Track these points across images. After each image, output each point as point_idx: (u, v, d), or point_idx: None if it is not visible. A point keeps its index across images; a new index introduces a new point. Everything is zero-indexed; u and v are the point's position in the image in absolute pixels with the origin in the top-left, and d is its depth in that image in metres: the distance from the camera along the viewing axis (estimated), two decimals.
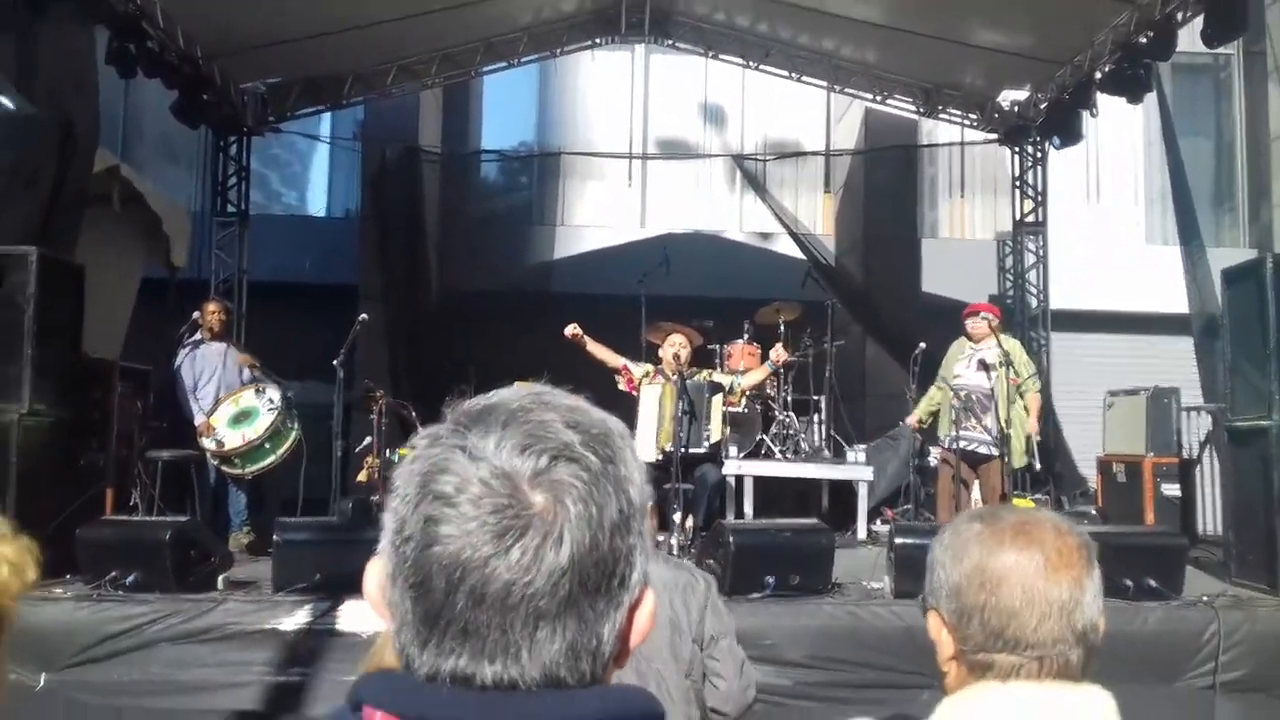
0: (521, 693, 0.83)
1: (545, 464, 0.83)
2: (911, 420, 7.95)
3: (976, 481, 7.72)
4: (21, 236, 6.93)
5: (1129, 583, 5.89)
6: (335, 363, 7.18)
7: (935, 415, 8.12)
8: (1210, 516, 8.80)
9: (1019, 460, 7.51)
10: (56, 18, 7.96)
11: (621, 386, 7.50)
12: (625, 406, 7.70)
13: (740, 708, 3.41)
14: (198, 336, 8.17)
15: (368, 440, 8.11)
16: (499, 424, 0.86)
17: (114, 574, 5.61)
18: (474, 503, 0.82)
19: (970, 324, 7.89)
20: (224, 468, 7.60)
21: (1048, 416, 12.06)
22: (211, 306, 8.40)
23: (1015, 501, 8.53)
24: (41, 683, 5.00)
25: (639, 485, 0.89)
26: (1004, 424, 7.33)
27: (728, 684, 3.34)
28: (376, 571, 0.89)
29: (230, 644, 5.35)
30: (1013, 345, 7.73)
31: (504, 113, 16.46)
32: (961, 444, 7.33)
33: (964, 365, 7.79)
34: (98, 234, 8.53)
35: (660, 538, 7.38)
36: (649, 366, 7.59)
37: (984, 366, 7.65)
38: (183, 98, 10.54)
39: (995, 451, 7.40)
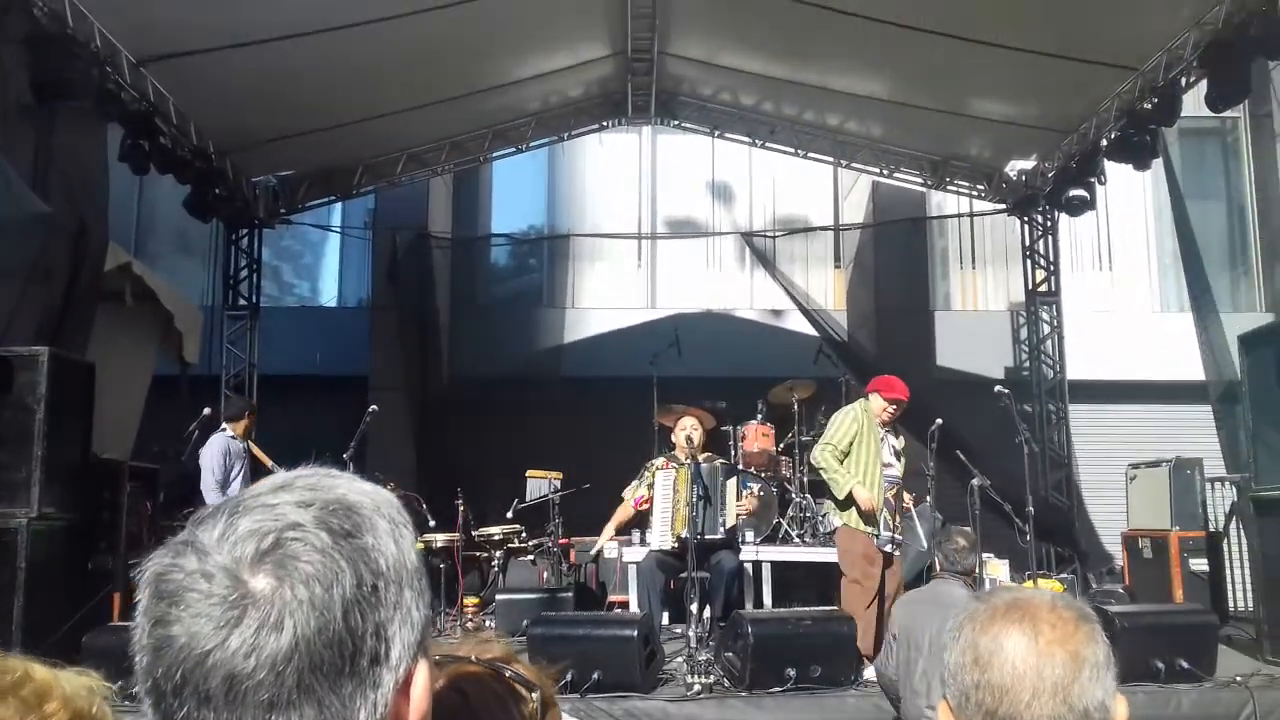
0: None
1: (269, 546, 0.81)
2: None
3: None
4: (35, 335, 6.97)
5: (1160, 664, 5.77)
6: (345, 456, 7.13)
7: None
8: (1241, 592, 8.59)
9: None
10: (70, 117, 8.09)
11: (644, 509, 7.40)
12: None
13: None
14: (230, 432, 8.17)
15: None
16: (226, 514, 0.84)
17: (121, 684, 5.46)
18: (198, 598, 0.79)
19: (896, 407, 6.90)
20: None
21: (1072, 491, 11.97)
22: (253, 416, 8.50)
23: (1043, 583, 8.33)
24: None
25: (393, 555, 0.86)
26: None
27: None
28: None
29: None
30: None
31: (513, 197, 16.63)
32: (895, 546, 6.84)
33: (889, 453, 6.88)
34: (110, 331, 8.57)
35: (677, 629, 7.25)
36: (660, 459, 7.50)
37: (897, 456, 6.97)
38: (195, 193, 10.68)
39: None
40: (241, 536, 0.81)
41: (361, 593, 0.82)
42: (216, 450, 7.96)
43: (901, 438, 7.04)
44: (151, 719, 0.82)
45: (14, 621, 5.84)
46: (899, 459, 6.97)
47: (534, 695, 1.26)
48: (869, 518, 6.70)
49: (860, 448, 6.80)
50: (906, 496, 6.98)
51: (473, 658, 1.27)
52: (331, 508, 0.85)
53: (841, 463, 6.78)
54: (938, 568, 5.26)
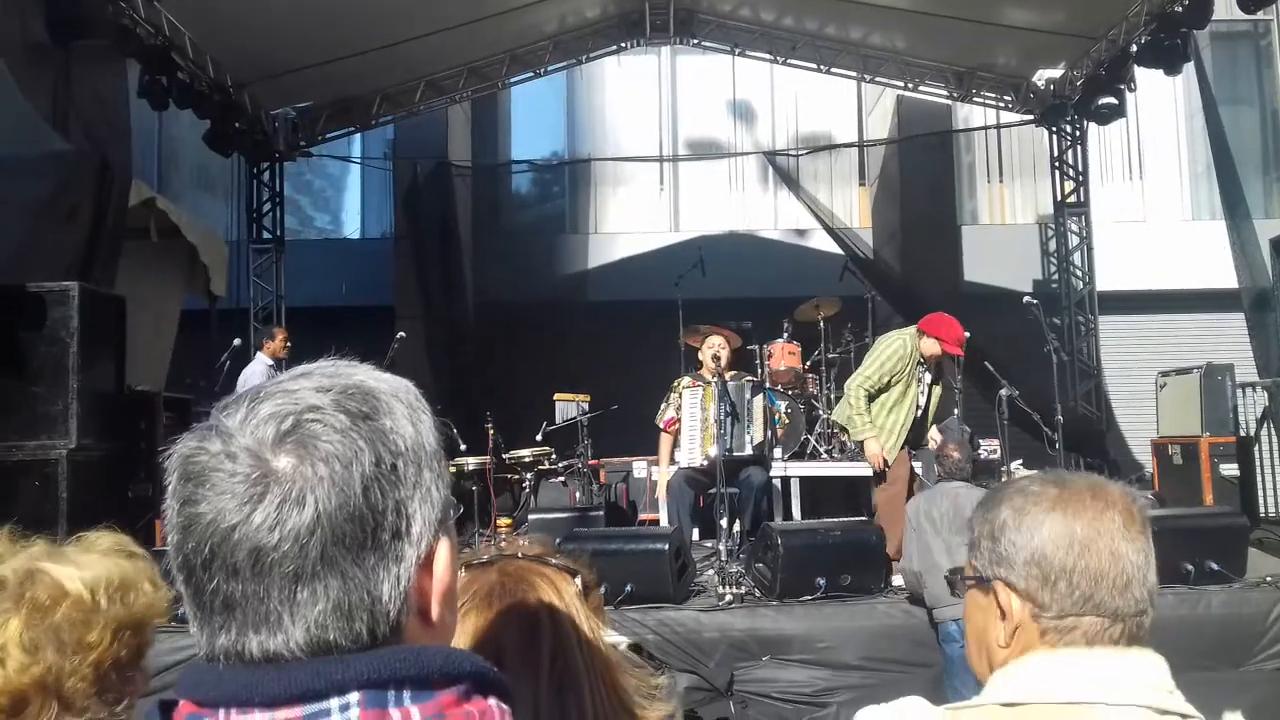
0: (288, 662, 0.83)
1: (289, 428, 0.84)
2: None
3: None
4: (61, 272, 7.02)
5: (1189, 567, 5.72)
6: None
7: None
8: (1272, 496, 8.55)
9: None
10: (88, 55, 8.08)
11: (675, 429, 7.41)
12: None
13: None
14: (267, 359, 8.29)
15: None
16: (248, 401, 0.87)
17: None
18: (223, 477, 0.83)
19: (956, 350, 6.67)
20: None
21: (1101, 401, 11.94)
22: (283, 334, 8.61)
23: None
24: None
25: (411, 436, 0.88)
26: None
27: None
28: None
29: None
30: None
31: (532, 123, 16.52)
32: None
33: (924, 393, 6.75)
34: (137, 267, 8.64)
35: (707, 545, 7.33)
36: (686, 379, 7.50)
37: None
38: (215, 127, 10.68)
39: None
40: (262, 419, 0.84)
41: (380, 470, 0.85)
42: (258, 374, 8.09)
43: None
44: (184, 593, 0.86)
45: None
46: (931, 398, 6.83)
47: (575, 579, 1.36)
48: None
49: (899, 385, 6.58)
50: (934, 434, 6.89)
51: (519, 554, 1.38)
52: (349, 392, 0.87)
53: (871, 399, 6.57)
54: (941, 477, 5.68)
